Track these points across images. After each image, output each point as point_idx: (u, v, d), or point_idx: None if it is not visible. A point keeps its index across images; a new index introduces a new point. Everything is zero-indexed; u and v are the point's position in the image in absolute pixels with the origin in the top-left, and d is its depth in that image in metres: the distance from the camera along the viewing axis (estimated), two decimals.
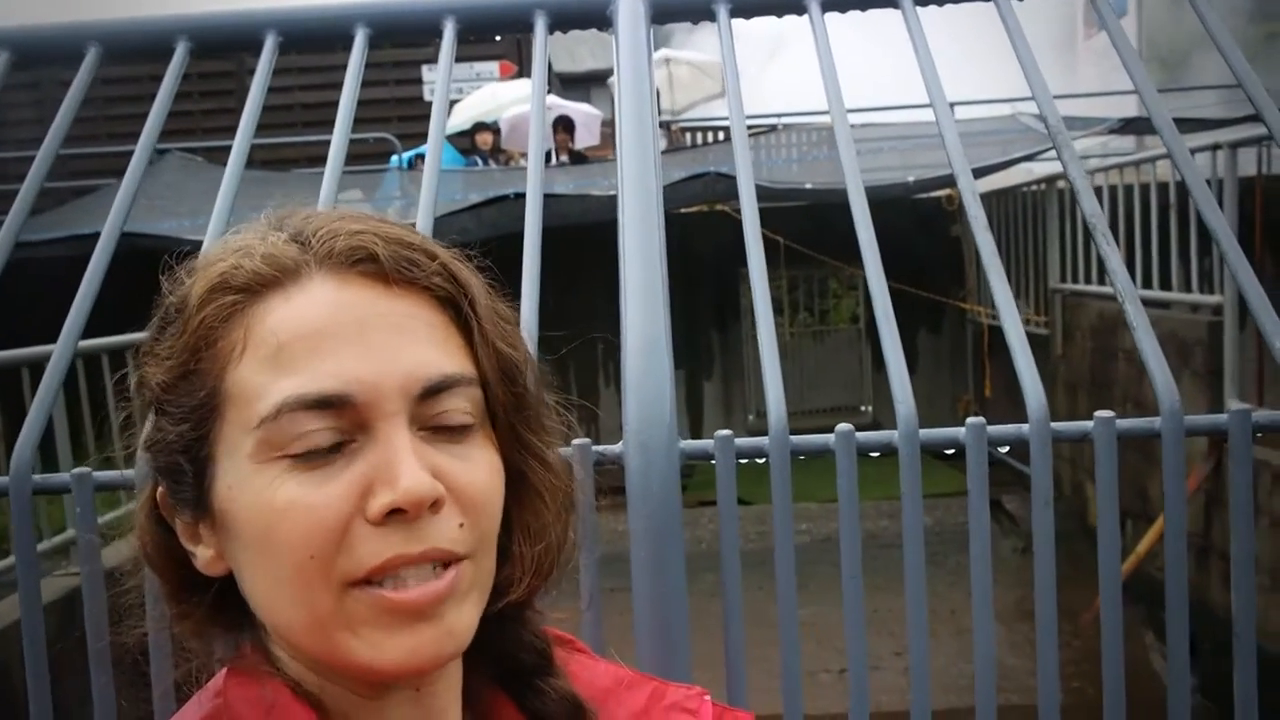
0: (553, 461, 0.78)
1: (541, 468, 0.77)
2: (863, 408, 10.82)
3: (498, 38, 10.71)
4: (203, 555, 0.72)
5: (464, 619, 0.70)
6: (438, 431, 0.70)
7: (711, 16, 1.87)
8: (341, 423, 0.67)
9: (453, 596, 0.69)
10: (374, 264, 0.70)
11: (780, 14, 1.94)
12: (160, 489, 0.74)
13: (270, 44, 1.77)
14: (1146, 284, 6.75)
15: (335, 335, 0.68)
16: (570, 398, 0.86)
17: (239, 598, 0.72)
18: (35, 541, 1.30)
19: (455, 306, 0.73)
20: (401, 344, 0.69)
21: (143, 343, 0.75)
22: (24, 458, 1.26)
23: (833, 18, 1.89)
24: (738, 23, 1.85)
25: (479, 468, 0.71)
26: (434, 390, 0.69)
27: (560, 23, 1.86)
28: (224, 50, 1.85)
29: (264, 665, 0.72)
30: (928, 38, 1.75)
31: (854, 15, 1.93)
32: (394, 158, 9.49)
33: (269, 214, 0.76)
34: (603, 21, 1.87)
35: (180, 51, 1.76)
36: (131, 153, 1.67)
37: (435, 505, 0.67)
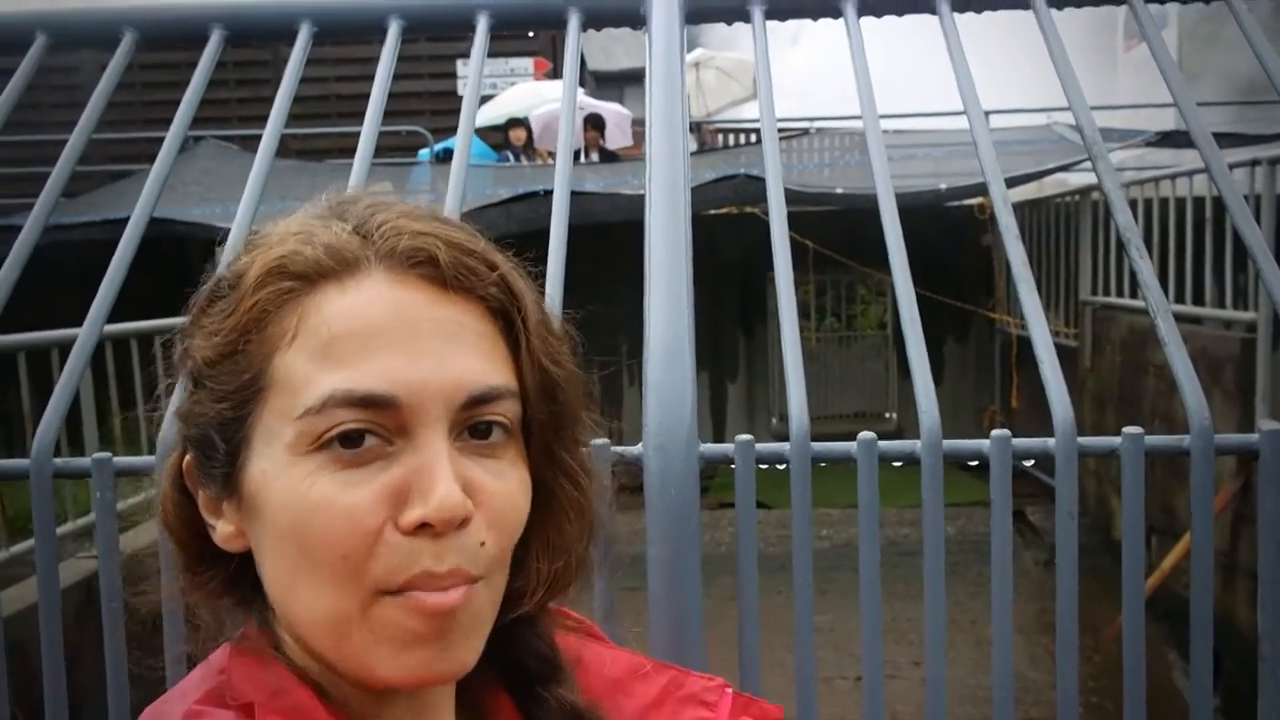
0: (583, 482, 0.78)
1: (571, 486, 0.77)
2: (887, 414, 10.77)
3: (532, 34, 10.73)
4: (223, 530, 0.72)
5: (470, 648, 0.70)
6: (473, 441, 0.70)
7: (746, 18, 1.86)
8: (384, 423, 0.67)
9: (466, 614, 0.69)
10: (434, 268, 0.70)
11: (816, 17, 1.92)
12: (188, 458, 0.74)
13: (304, 34, 1.77)
14: (1179, 299, 6.68)
15: (387, 335, 0.68)
16: (600, 416, 0.85)
17: (253, 575, 0.73)
18: (55, 524, 1.31)
19: (506, 318, 0.72)
20: (450, 351, 0.69)
21: (192, 307, 0.75)
22: (46, 441, 1.27)
23: (866, 21, 1.88)
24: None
25: (509, 485, 0.71)
26: (477, 401, 0.69)
27: (593, 20, 1.85)
28: (258, 39, 1.86)
29: (268, 648, 0.72)
30: (964, 44, 1.73)
31: (888, 19, 1.91)
32: (422, 151, 9.51)
33: (331, 195, 0.76)
34: (636, 20, 1.86)
35: (215, 39, 1.77)
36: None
37: (463, 523, 0.67)
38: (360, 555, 0.66)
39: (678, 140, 1.59)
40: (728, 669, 1.33)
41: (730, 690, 0.85)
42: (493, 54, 11.30)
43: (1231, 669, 5.33)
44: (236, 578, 0.74)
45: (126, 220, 1.60)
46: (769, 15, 1.86)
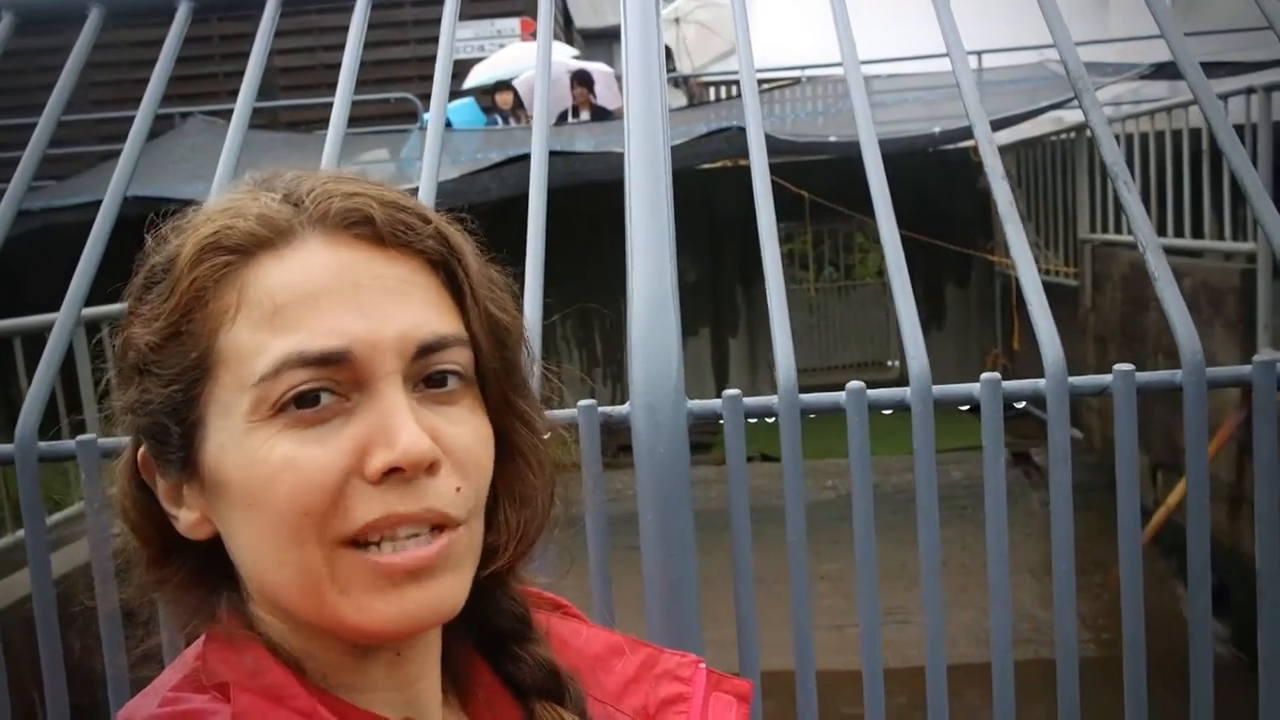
0: (539, 427, 0.78)
1: (528, 432, 0.77)
2: (889, 363, 10.76)
3: None
4: (185, 518, 0.72)
5: (457, 586, 0.70)
6: (430, 391, 0.70)
7: None
8: (339, 379, 0.67)
9: (445, 562, 0.68)
10: (369, 226, 0.70)
11: None
12: (141, 451, 0.74)
13: (273, 3, 1.74)
14: (1179, 233, 6.64)
15: (331, 295, 0.67)
16: (555, 369, 0.86)
17: (218, 562, 0.72)
18: (43, 509, 1.31)
19: (448, 269, 0.72)
20: (396, 305, 0.68)
21: (127, 297, 0.74)
22: (29, 425, 1.26)
23: None
24: None
25: (470, 430, 0.71)
26: (428, 349, 0.69)
27: None
28: (226, 10, 1.83)
29: (242, 629, 0.72)
30: None
31: None
32: (425, 116, 9.41)
33: (252, 175, 0.75)
34: None
35: (183, 12, 1.74)
36: (161, 116, 1.65)
37: (432, 468, 0.67)
38: (323, 511, 0.66)
39: (655, 94, 1.57)
40: (734, 624, 1.33)
41: (704, 666, 0.86)
42: (478, 15, 11.19)
43: (1240, 600, 5.35)
44: (204, 566, 0.74)
45: (124, 199, 1.57)
46: None
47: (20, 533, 4.04)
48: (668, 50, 10.90)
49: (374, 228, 0.69)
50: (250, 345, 0.67)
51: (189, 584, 0.74)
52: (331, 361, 0.66)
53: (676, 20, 11.94)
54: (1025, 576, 5.89)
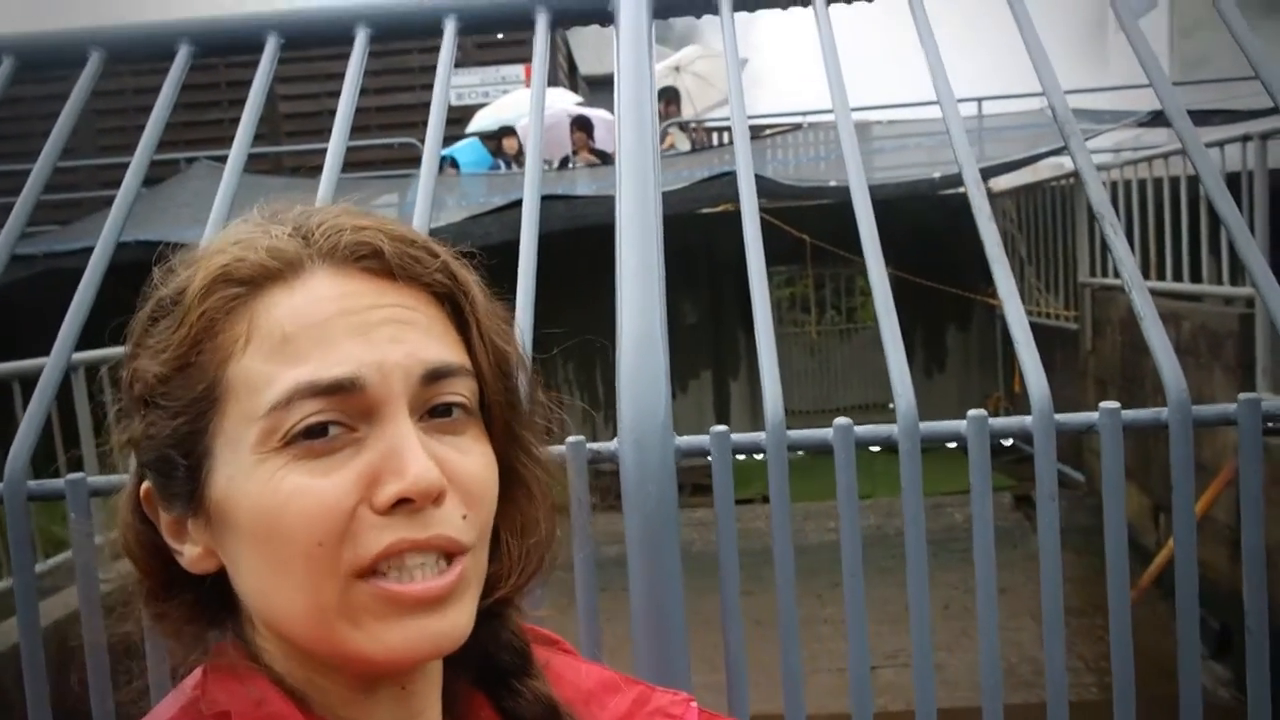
0: (542, 458, 0.79)
1: (532, 463, 0.78)
2: (891, 405, 10.72)
3: (502, 36, 10.72)
4: (189, 553, 0.72)
5: (464, 615, 0.70)
6: (436, 422, 0.70)
7: (714, 9, 1.86)
8: (348, 409, 0.67)
9: (455, 592, 0.69)
10: (377, 260, 0.70)
11: (785, 6, 1.92)
12: (145, 484, 0.74)
13: (271, 45, 1.77)
14: (1178, 276, 6.66)
15: (340, 325, 0.68)
16: (561, 399, 0.86)
17: (220, 596, 0.72)
18: (32, 548, 1.31)
19: (454, 303, 0.73)
20: (403, 333, 0.69)
21: (132, 332, 0.74)
22: (19, 463, 1.26)
23: (852, 11, 1.88)
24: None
25: (476, 459, 0.71)
26: (435, 375, 0.69)
27: (561, 19, 1.85)
28: (226, 52, 1.86)
29: (246, 661, 0.72)
30: (965, 28, 1.72)
31: (879, 9, 1.90)
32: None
33: (261, 209, 0.76)
34: (605, 17, 1.86)
35: (182, 55, 1.76)
36: (166, 161, 1.67)
37: (439, 498, 0.67)
38: (335, 540, 0.66)
39: (647, 136, 1.59)
40: (753, 668, 1.32)
41: (695, 705, 0.86)
42: (483, 62, 11.32)
43: (1243, 643, 5.29)
44: (205, 600, 0.74)
45: (127, 245, 1.59)
46: (737, 7, 1.85)
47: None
48: (675, 93, 10.98)
49: (382, 260, 0.70)
50: (260, 376, 0.67)
51: (190, 618, 0.75)
52: (342, 390, 0.66)
53: (677, 69, 12.09)
54: (1027, 620, 5.84)
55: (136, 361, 0.73)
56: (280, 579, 0.67)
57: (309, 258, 0.70)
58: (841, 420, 1.28)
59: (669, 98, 10.38)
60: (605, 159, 8.84)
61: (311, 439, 0.66)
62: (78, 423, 4.23)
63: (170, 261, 0.75)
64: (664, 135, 10.00)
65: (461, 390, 0.71)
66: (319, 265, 0.70)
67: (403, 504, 0.66)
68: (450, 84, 1.82)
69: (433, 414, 0.70)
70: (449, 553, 0.68)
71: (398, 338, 0.68)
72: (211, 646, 0.74)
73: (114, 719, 1.30)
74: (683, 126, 11.07)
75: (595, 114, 9.63)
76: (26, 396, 4.37)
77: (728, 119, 13.16)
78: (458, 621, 0.69)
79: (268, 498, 0.66)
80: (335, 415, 0.67)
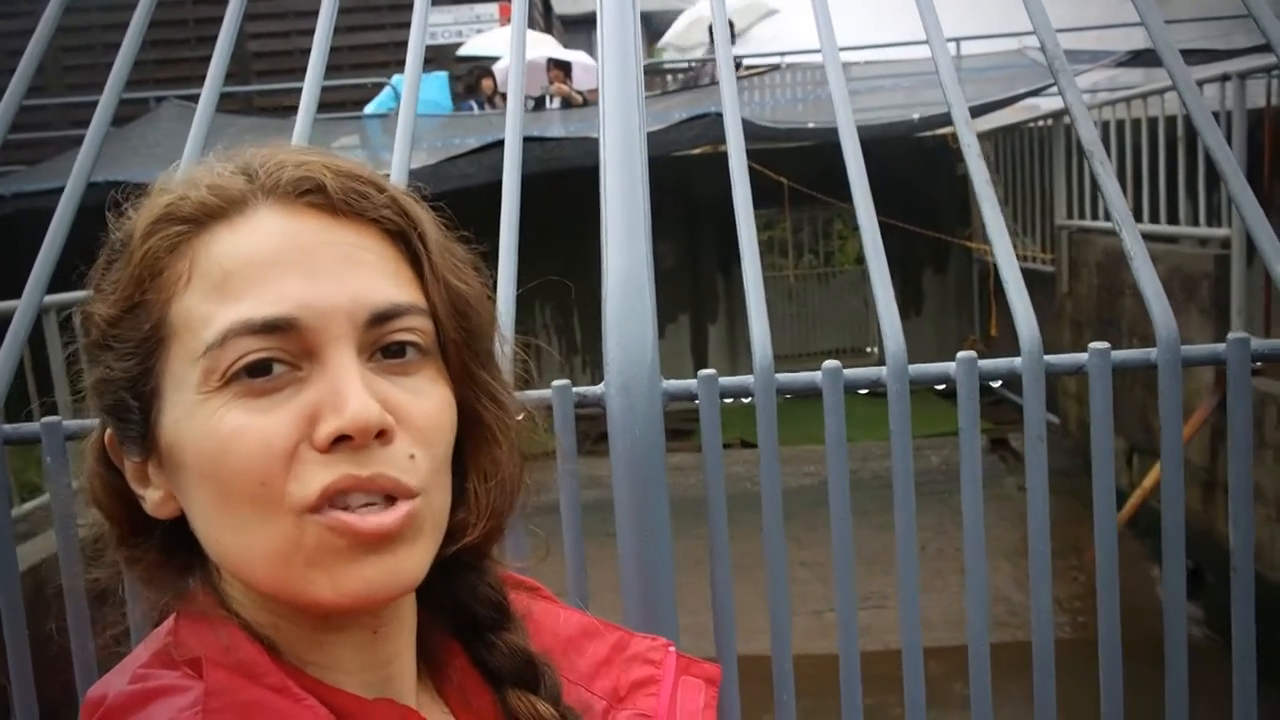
0: (505, 400, 0.77)
1: (494, 405, 0.76)
2: (869, 349, 10.78)
3: None
4: (151, 497, 0.72)
5: (416, 557, 0.69)
6: (387, 361, 0.69)
7: None
8: (289, 348, 0.66)
9: (406, 533, 0.67)
10: (321, 195, 0.69)
11: None
12: (109, 431, 0.73)
13: None
14: (1154, 218, 6.68)
15: (281, 263, 0.67)
16: (531, 341, 0.85)
17: (189, 540, 0.71)
18: (8, 490, 1.29)
19: (405, 240, 0.72)
20: (349, 272, 0.68)
21: (91, 279, 0.74)
22: None
23: None
24: None
25: (429, 399, 0.70)
26: (382, 317, 0.68)
27: None
28: None
29: (215, 607, 0.71)
30: None
31: None
32: (382, 98, 9.22)
33: (218, 151, 0.75)
34: None
35: None
36: (135, 100, 1.63)
37: (384, 435, 0.66)
38: (278, 478, 0.65)
39: (631, 75, 1.55)
40: (740, 612, 1.32)
41: (673, 650, 0.86)
42: (457, 0, 11.12)
43: (1213, 583, 5.40)
44: (174, 544, 0.73)
45: (97, 185, 1.54)
46: None
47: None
48: (731, 24, 11.01)
49: (326, 195, 0.69)
50: (199, 315, 0.67)
51: (160, 563, 0.74)
52: (278, 329, 0.65)
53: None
54: (1001, 561, 5.93)
55: (92, 305, 0.72)
56: (229, 520, 0.67)
57: (252, 194, 0.69)
58: (830, 363, 1.27)
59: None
60: (585, 100, 8.73)
61: (253, 377, 0.65)
62: (51, 366, 4.18)
63: (124, 205, 0.74)
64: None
65: (413, 326, 0.70)
66: (263, 202, 0.69)
67: (343, 441, 0.65)
68: (417, 20, 1.77)
69: (386, 354, 0.69)
70: (392, 495, 0.67)
71: (342, 277, 0.67)
72: (186, 591, 0.74)
73: (94, 662, 1.29)
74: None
75: (575, 57, 9.50)
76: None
77: (701, 59, 13.13)
78: (411, 563, 0.68)
79: (208, 438, 0.66)
80: (277, 354, 0.66)
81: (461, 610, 0.80)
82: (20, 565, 1.33)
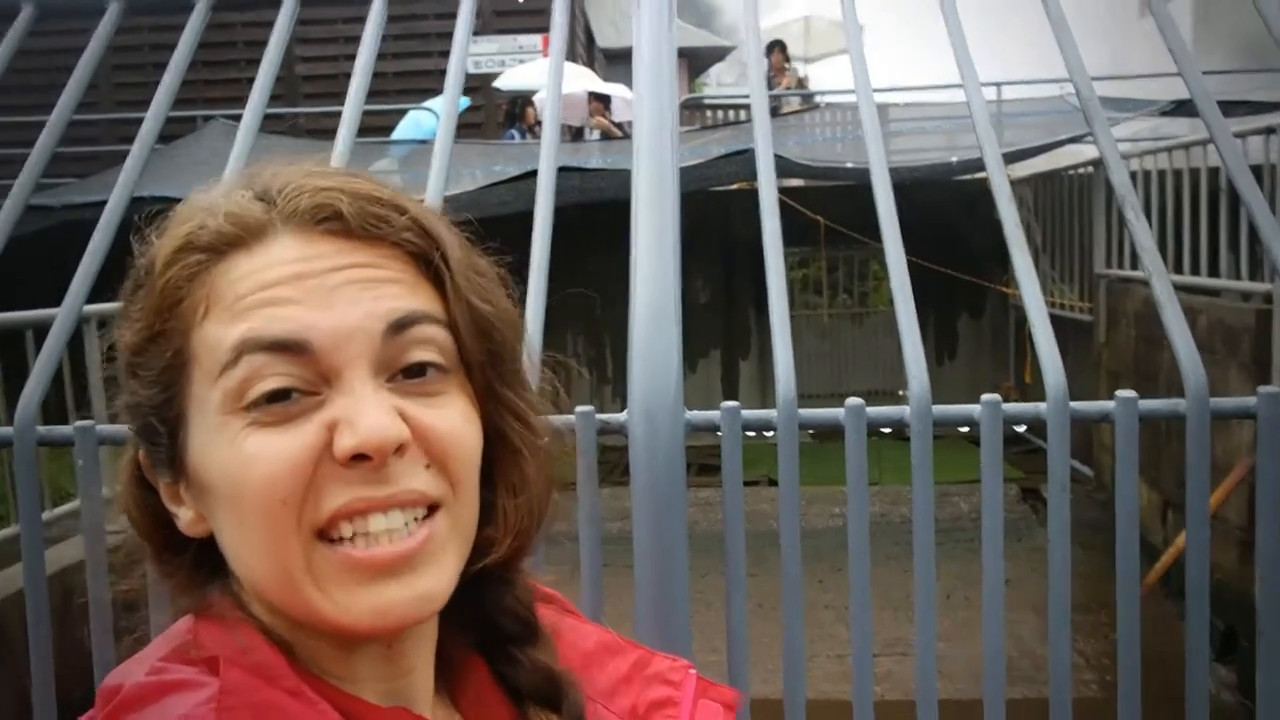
0: (532, 420, 0.77)
1: (520, 424, 0.76)
2: (901, 391, 10.70)
3: (535, 9, 10.64)
4: (184, 516, 0.73)
5: (440, 579, 0.69)
6: (408, 382, 0.69)
7: None
8: (304, 372, 0.67)
9: (425, 553, 0.68)
10: (339, 221, 0.69)
11: None
12: (142, 451, 0.74)
13: (289, 3, 1.75)
14: (1195, 270, 6.61)
15: (295, 287, 0.67)
16: (557, 358, 0.85)
17: (218, 556, 0.72)
18: (39, 493, 1.31)
19: (428, 260, 0.72)
20: (364, 293, 0.68)
21: (121, 304, 0.75)
22: (29, 410, 1.26)
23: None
24: None
25: (450, 414, 0.70)
26: (399, 325, 0.68)
27: None
28: (243, 6, 1.84)
29: (235, 612, 0.72)
30: (988, 16, 1.70)
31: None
32: (420, 119, 9.27)
33: (242, 171, 0.77)
34: None
35: (201, 8, 1.75)
36: (183, 118, 1.67)
37: (401, 450, 0.67)
38: (297, 497, 0.65)
39: (666, 107, 1.57)
40: (760, 657, 1.31)
41: (693, 672, 0.86)
42: (502, 30, 11.26)
43: (1248, 646, 5.28)
44: (203, 561, 0.74)
45: (142, 199, 1.58)
46: None
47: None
48: (783, 44, 11.03)
49: (343, 221, 0.69)
50: (214, 338, 0.67)
51: (192, 575, 0.75)
52: (289, 349, 0.66)
53: (807, 17, 12.29)
54: (1029, 614, 5.83)
55: (120, 331, 0.74)
56: (248, 539, 0.68)
57: (270, 223, 0.69)
58: (854, 400, 1.27)
59: (779, 48, 10.42)
60: (624, 133, 8.80)
61: (272, 403, 0.66)
62: (89, 375, 4.25)
63: (147, 230, 0.75)
64: (774, 82, 10.00)
65: (432, 340, 0.70)
66: (280, 229, 0.69)
67: (361, 460, 0.65)
68: (468, 51, 1.80)
69: (406, 374, 0.69)
70: (417, 506, 0.67)
71: (356, 299, 0.68)
72: (207, 598, 0.74)
73: (113, 665, 1.30)
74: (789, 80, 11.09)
75: (615, 90, 9.58)
76: (39, 347, 4.40)
77: (737, 96, 13.15)
78: (431, 586, 0.68)
79: (231, 459, 0.67)
80: (294, 381, 0.66)
81: (486, 623, 0.80)
82: (49, 567, 1.34)
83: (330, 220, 0.69)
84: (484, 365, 0.73)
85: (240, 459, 0.66)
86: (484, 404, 0.73)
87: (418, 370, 0.69)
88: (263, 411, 0.66)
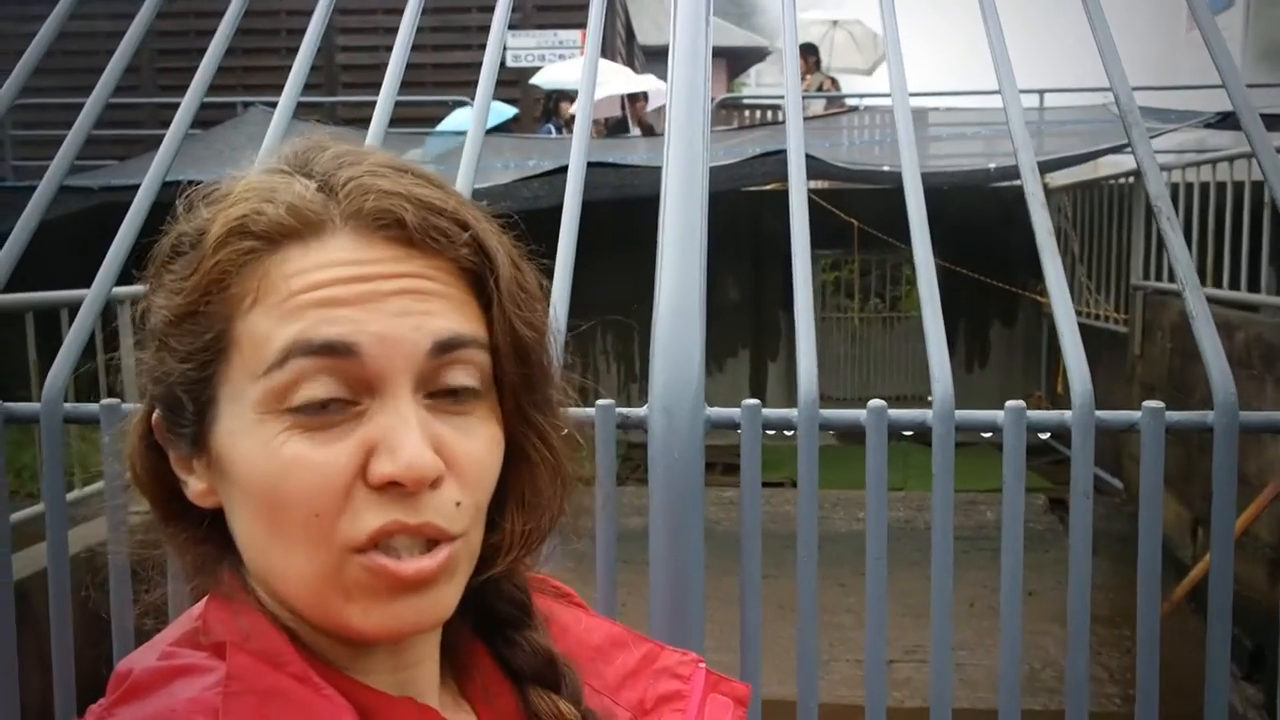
0: (556, 442, 0.77)
1: (545, 447, 0.76)
2: (930, 398, 10.64)
3: (576, 4, 10.66)
4: (194, 486, 0.72)
5: (449, 595, 0.70)
6: (442, 398, 0.69)
7: None
8: (348, 380, 0.66)
9: (443, 574, 0.68)
10: (401, 230, 0.69)
11: None
12: (156, 414, 0.73)
13: None
14: (1234, 285, 6.52)
15: (349, 291, 0.67)
16: (585, 380, 0.85)
17: (224, 528, 0.72)
18: (63, 468, 1.32)
19: (478, 277, 0.71)
20: (415, 305, 0.68)
21: (153, 262, 0.74)
22: (57, 386, 1.28)
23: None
24: None
25: (479, 442, 0.70)
26: (443, 348, 0.68)
27: None
28: None
29: (241, 593, 0.72)
30: (1020, 19, 1.68)
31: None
32: (455, 118, 9.33)
33: (297, 144, 0.74)
34: None
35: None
36: (223, 104, 1.68)
37: (435, 482, 0.67)
38: (332, 512, 0.65)
39: (697, 108, 1.57)
40: (777, 653, 1.31)
41: (703, 666, 0.85)
42: (541, 25, 11.28)
43: (1277, 665, 5.21)
44: (210, 529, 0.74)
45: (177, 184, 1.59)
46: None
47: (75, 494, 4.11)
48: (814, 48, 11.00)
49: (405, 229, 0.68)
50: (262, 334, 0.67)
51: (196, 541, 0.75)
52: (337, 353, 0.65)
53: (835, 22, 12.21)
54: (1053, 626, 5.78)
55: (154, 295, 0.72)
56: (277, 542, 0.68)
57: (330, 220, 0.68)
58: (876, 402, 1.26)
59: (806, 52, 10.44)
60: (652, 131, 8.80)
61: (313, 410, 0.66)
62: (122, 356, 4.30)
63: (194, 194, 0.73)
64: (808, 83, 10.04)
65: (473, 363, 0.69)
66: (340, 228, 0.68)
67: (395, 486, 0.65)
68: (505, 43, 1.80)
69: (440, 393, 0.69)
70: (435, 539, 0.67)
71: (408, 309, 0.67)
72: (219, 574, 0.75)
73: (132, 640, 1.31)
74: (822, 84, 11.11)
75: (646, 83, 9.58)
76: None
77: (773, 97, 13.09)
78: (443, 602, 0.69)
79: (267, 462, 0.66)
80: (338, 390, 0.66)
81: (485, 608, 0.80)
82: (77, 545, 1.36)
83: (392, 227, 0.68)
84: (517, 388, 0.73)
85: (278, 464, 0.66)
86: (510, 423, 0.73)
87: (453, 390, 0.69)
88: (303, 416, 0.66)
